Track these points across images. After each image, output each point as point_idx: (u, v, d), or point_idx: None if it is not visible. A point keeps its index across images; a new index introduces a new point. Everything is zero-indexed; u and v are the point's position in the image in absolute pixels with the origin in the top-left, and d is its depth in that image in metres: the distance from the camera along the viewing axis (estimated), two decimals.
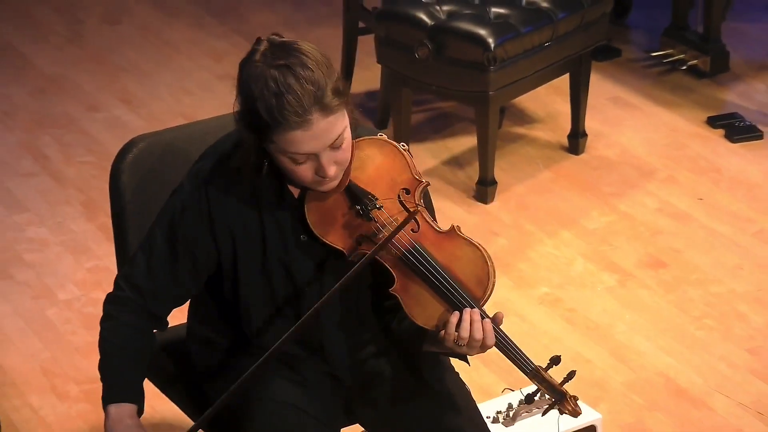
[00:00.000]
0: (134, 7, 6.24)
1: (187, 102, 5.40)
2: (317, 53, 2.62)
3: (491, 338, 2.70)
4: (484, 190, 4.78)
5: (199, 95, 5.46)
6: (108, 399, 2.75)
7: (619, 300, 4.29)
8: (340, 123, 2.61)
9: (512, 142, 5.14)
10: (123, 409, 2.73)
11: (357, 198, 2.70)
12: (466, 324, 2.67)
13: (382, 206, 2.70)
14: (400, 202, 2.72)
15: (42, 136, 5.18)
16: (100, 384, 3.87)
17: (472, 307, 2.69)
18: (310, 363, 2.84)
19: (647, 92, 5.46)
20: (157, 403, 3.32)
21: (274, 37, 2.63)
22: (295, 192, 2.74)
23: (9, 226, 4.64)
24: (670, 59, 5.58)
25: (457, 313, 2.68)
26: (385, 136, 2.76)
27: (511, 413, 3.44)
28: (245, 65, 2.61)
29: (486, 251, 2.71)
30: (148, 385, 3.21)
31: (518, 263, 4.44)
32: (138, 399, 2.75)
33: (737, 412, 3.83)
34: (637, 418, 3.80)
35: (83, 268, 4.43)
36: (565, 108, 5.14)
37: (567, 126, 5.11)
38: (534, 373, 2.76)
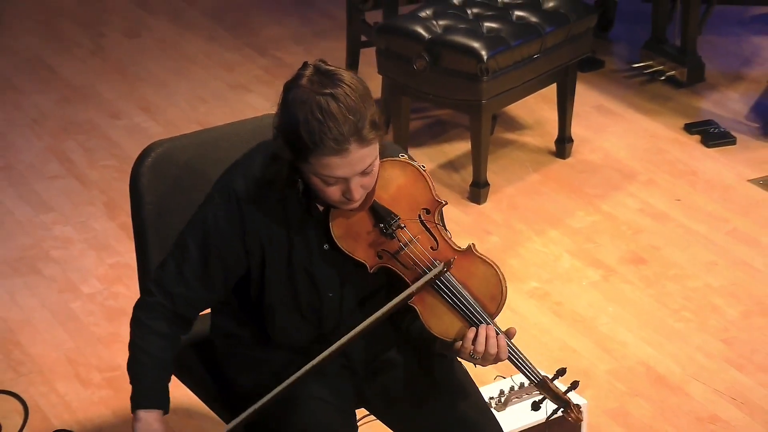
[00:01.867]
0: (152, 21, 6.23)
1: (202, 110, 5.40)
2: (360, 85, 2.61)
3: (504, 353, 2.71)
4: (478, 191, 4.78)
5: (212, 103, 5.46)
6: (137, 404, 2.76)
7: (603, 294, 4.29)
8: (373, 153, 2.60)
9: (503, 147, 5.14)
10: (151, 415, 2.74)
11: (381, 217, 2.69)
12: (481, 339, 2.68)
13: (404, 226, 2.70)
14: (421, 222, 2.72)
15: (67, 141, 5.18)
16: (121, 372, 3.87)
17: (487, 323, 2.69)
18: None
19: (629, 101, 5.46)
20: (173, 389, 3.31)
21: (320, 63, 2.62)
22: (321, 207, 2.73)
23: (37, 225, 4.63)
24: (650, 70, 5.58)
25: (473, 329, 2.68)
26: (406, 157, 2.76)
27: (502, 399, 3.43)
28: (291, 88, 2.60)
29: (499, 269, 2.73)
30: None
31: (509, 260, 4.44)
32: (164, 404, 2.76)
33: (712, 398, 3.82)
34: (620, 403, 3.80)
35: (105, 264, 4.42)
36: (552, 115, 5.14)
37: (554, 132, 5.11)
38: (541, 383, 2.76)
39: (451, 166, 4.99)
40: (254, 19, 6.23)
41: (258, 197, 2.70)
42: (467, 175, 4.83)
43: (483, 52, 4.61)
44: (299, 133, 2.55)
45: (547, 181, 4.93)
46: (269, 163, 2.68)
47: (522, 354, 2.74)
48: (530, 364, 2.75)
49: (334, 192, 2.62)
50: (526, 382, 3.47)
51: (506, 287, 2.72)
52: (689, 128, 5.24)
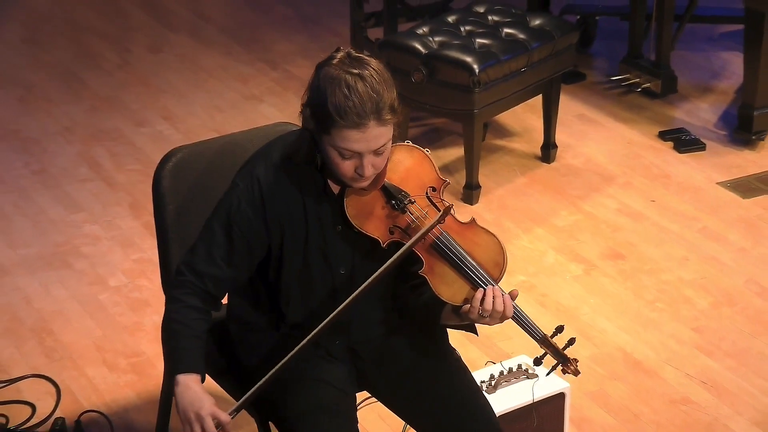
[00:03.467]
0: (173, 38, 6.24)
1: (219, 119, 5.40)
2: (385, 72, 2.64)
3: (510, 310, 2.73)
4: (470, 193, 4.78)
5: (228, 112, 5.46)
6: (176, 370, 2.72)
7: (584, 286, 4.29)
8: (387, 135, 2.63)
9: (494, 153, 5.14)
10: (190, 378, 2.70)
11: (392, 195, 2.71)
12: (489, 299, 2.69)
13: (414, 201, 2.72)
14: (428, 198, 2.74)
15: (96, 147, 5.18)
16: (144, 357, 3.88)
17: (493, 285, 2.71)
18: (333, 338, 2.83)
19: (608, 110, 5.46)
20: None
21: (350, 50, 2.65)
22: (335, 189, 2.74)
23: (68, 224, 4.64)
24: (627, 82, 5.58)
25: (481, 290, 2.69)
26: (411, 143, 2.78)
27: (492, 382, 3.43)
28: (323, 66, 2.62)
29: (500, 239, 2.74)
30: None
31: None
32: (201, 370, 2.73)
33: (684, 381, 3.82)
34: (600, 386, 3.80)
35: (130, 259, 4.42)
36: (538, 123, 5.14)
37: (540, 139, 5.11)
38: (543, 339, 2.80)
39: (446, 169, 4.99)
40: (266, 35, 6.23)
41: (277, 182, 2.72)
42: (460, 177, 4.83)
43: (475, 66, 4.61)
44: (326, 105, 2.57)
45: (534, 183, 4.93)
46: (292, 141, 2.71)
47: (524, 313, 2.77)
48: (532, 322, 2.78)
49: (347, 167, 2.63)
50: (517, 365, 3.48)
51: (507, 255, 2.74)
52: (663, 135, 5.24)
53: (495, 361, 3.58)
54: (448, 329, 2.93)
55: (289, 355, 2.67)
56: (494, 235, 2.75)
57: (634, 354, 3.95)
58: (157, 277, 3.20)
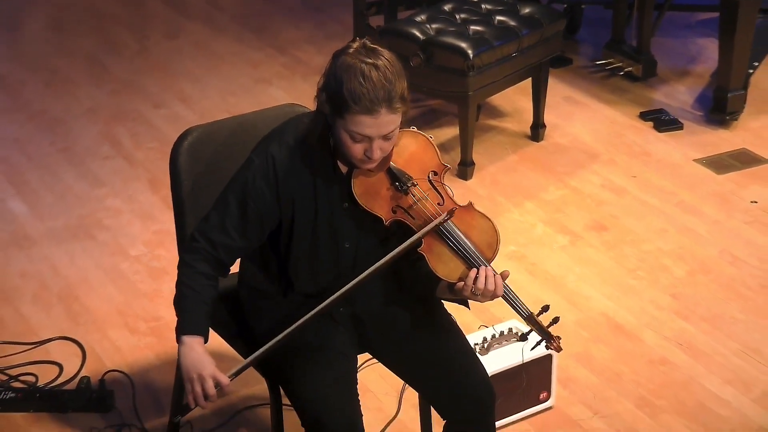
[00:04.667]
0: (189, 25, 6.22)
1: (231, 101, 5.40)
2: (397, 63, 2.64)
3: (500, 289, 2.74)
4: (465, 169, 4.78)
5: (240, 95, 5.45)
6: (182, 331, 2.75)
7: (571, 256, 4.29)
8: (396, 122, 2.63)
9: (487, 132, 5.14)
10: (194, 340, 2.73)
11: (396, 177, 2.71)
12: (482, 278, 2.70)
13: (417, 184, 2.72)
14: (430, 182, 2.75)
15: (117, 127, 5.18)
16: (163, 322, 3.89)
17: (486, 266, 2.71)
18: (338, 306, 2.84)
19: (593, 93, 5.45)
20: (211, 337, 3.32)
21: (366, 40, 2.65)
22: (343, 170, 2.75)
23: (91, 198, 4.64)
24: (611, 67, 5.57)
25: (475, 269, 2.70)
26: (416, 129, 2.78)
27: (485, 345, 3.44)
28: (340, 55, 2.62)
29: (494, 222, 2.75)
30: None
31: None
32: (205, 333, 2.76)
33: (662, 343, 3.83)
34: (584, 348, 3.81)
35: (149, 231, 4.43)
36: (528, 105, 5.13)
37: (530, 119, 5.10)
38: (529, 317, 2.80)
39: (442, 148, 4.98)
40: (275, 23, 6.22)
41: (291, 162, 2.72)
42: (456, 155, 4.83)
43: (469, 51, 4.60)
44: (342, 91, 2.57)
45: (524, 160, 4.93)
46: (307, 123, 2.71)
47: (513, 292, 2.77)
48: (520, 301, 2.78)
49: (358, 149, 2.64)
50: (508, 329, 3.48)
51: (500, 238, 2.75)
52: (644, 116, 5.23)
53: (488, 325, 3.59)
54: None
55: (294, 326, 2.68)
56: (489, 219, 2.76)
57: (616, 318, 3.95)
58: (174, 248, 3.20)
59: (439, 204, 2.73)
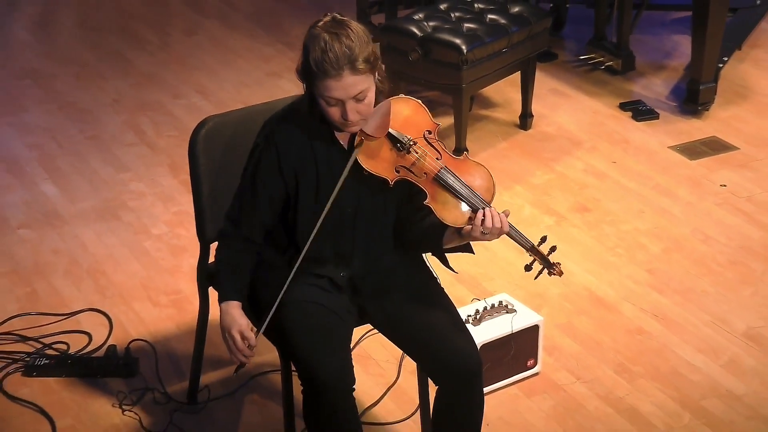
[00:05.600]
0: (206, 23, 6.21)
1: (245, 92, 5.39)
2: (361, 31, 2.67)
3: (506, 225, 2.76)
4: (458, 155, 4.76)
5: (253, 87, 5.44)
6: (222, 299, 2.82)
7: (556, 235, 4.29)
8: (364, 83, 2.64)
9: (479, 121, 5.13)
10: (230, 305, 2.81)
11: (396, 139, 2.73)
12: (489, 218, 2.73)
13: (416, 142, 2.74)
14: (426, 140, 2.76)
15: (140, 117, 5.17)
16: (183, 295, 3.90)
17: (489, 207, 2.74)
18: (338, 269, 2.85)
19: (577, 85, 5.44)
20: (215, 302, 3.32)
21: (336, 14, 2.69)
22: (342, 138, 2.76)
23: (117, 182, 4.63)
24: (593, 61, 5.56)
25: (481, 210, 2.72)
26: (405, 95, 2.81)
27: (477, 316, 3.44)
28: (311, 29, 2.67)
29: (488, 169, 2.79)
30: (215, 295, 3.22)
31: None
32: (236, 297, 2.82)
33: (639, 315, 3.83)
34: (568, 319, 3.81)
35: (170, 212, 4.42)
36: (517, 96, 5.12)
37: (518, 109, 5.09)
38: (531, 248, 2.83)
39: (438, 135, 4.97)
40: (285, 21, 6.20)
41: (290, 136, 2.75)
42: (451, 142, 4.82)
43: (463, 47, 4.59)
44: (309, 60, 2.62)
45: (513, 147, 4.93)
46: (297, 99, 2.75)
47: (516, 228, 2.80)
48: (523, 234, 2.81)
49: (334, 112, 2.66)
50: (498, 302, 3.48)
51: (495, 181, 2.78)
52: (623, 106, 5.22)
53: (479, 298, 3.59)
54: (441, 264, 2.93)
55: (293, 272, 2.73)
56: (484, 166, 2.79)
57: (597, 292, 3.95)
58: (192, 227, 3.20)
59: (437, 159, 2.75)
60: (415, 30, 4.73)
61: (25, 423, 3.35)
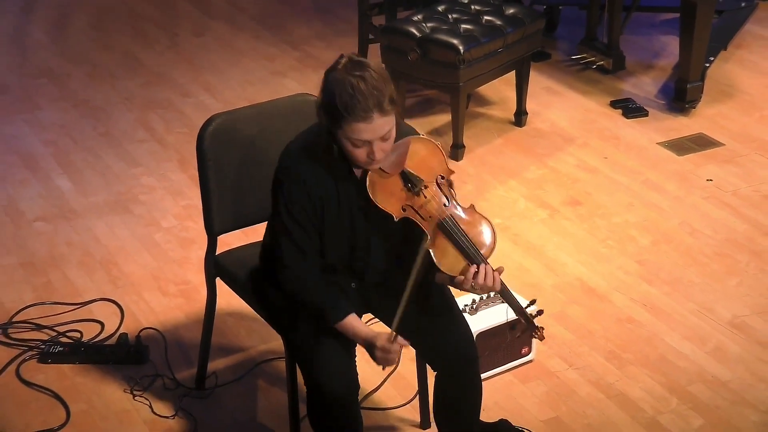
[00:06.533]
0: (213, 24, 6.19)
1: (250, 90, 5.37)
2: (382, 70, 2.59)
3: (498, 285, 2.71)
4: (456, 151, 4.76)
5: (258, 86, 5.43)
6: (336, 318, 2.71)
7: (549, 228, 4.28)
8: (391, 122, 2.59)
9: (475, 118, 5.11)
10: (352, 318, 2.71)
11: (409, 179, 2.67)
12: (482, 274, 2.68)
13: (427, 186, 2.69)
14: (438, 185, 2.71)
15: (151, 114, 5.16)
16: (191, 285, 3.89)
17: (485, 263, 2.69)
18: (350, 280, 2.85)
19: (569, 83, 5.43)
20: (230, 297, 3.32)
21: (352, 54, 2.61)
22: (358, 173, 2.72)
23: (128, 177, 4.62)
24: (585, 61, 5.55)
25: (475, 266, 2.67)
26: (426, 135, 2.74)
27: (474, 306, 3.43)
28: (331, 72, 2.58)
29: (492, 224, 2.72)
30: (223, 286, 3.21)
31: (479, 202, 4.40)
32: (348, 309, 2.72)
33: (629, 304, 3.82)
34: (561, 309, 3.80)
35: (179, 205, 4.41)
36: (512, 94, 5.11)
37: (513, 107, 5.08)
38: (520, 310, 2.78)
39: (437, 132, 4.97)
40: (289, 22, 6.19)
41: (311, 171, 2.67)
42: (448, 139, 4.81)
43: (460, 47, 4.58)
44: (336, 104, 2.53)
45: (508, 143, 4.91)
46: (314, 138, 2.65)
47: (508, 288, 2.75)
48: (513, 295, 2.76)
49: (360, 153, 2.60)
50: (508, 311, 3.48)
51: (497, 237, 2.72)
52: (613, 104, 5.21)
53: None
54: None
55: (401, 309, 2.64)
56: (489, 220, 2.73)
57: (589, 282, 3.94)
58: (200, 220, 3.19)
59: (444, 205, 2.69)
60: (414, 31, 4.72)
61: (40, 407, 3.34)
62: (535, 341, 3.48)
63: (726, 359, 3.55)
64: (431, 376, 2.97)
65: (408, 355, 3.49)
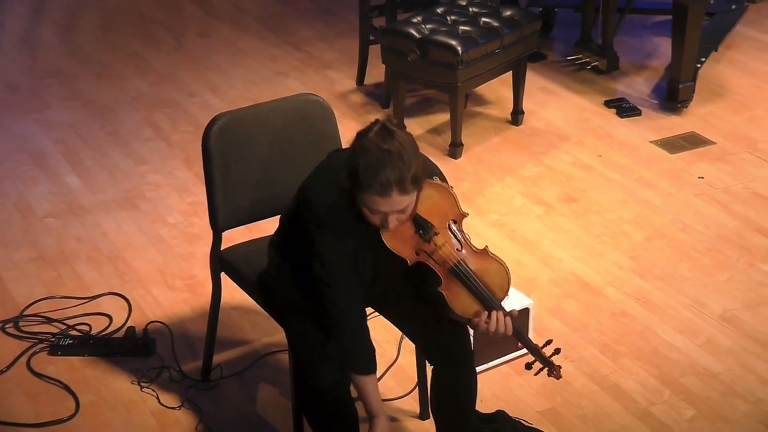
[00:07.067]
0: (218, 26, 6.19)
1: (254, 90, 5.37)
2: (409, 145, 2.49)
3: (510, 330, 2.69)
4: (455, 149, 4.75)
5: (261, 86, 5.43)
6: (363, 371, 2.69)
7: (545, 224, 4.28)
8: (410, 199, 2.53)
9: (473, 117, 5.11)
10: (373, 379, 2.70)
11: (420, 225, 2.63)
12: (493, 321, 2.66)
13: (438, 233, 2.64)
14: (450, 230, 2.66)
15: (157, 113, 5.15)
16: (197, 280, 3.89)
17: (498, 309, 2.65)
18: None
19: (564, 83, 5.43)
20: (234, 292, 3.32)
21: (387, 121, 2.51)
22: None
23: (135, 174, 4.62)
24: (580, 61, 5.54)
25: (487, 312, 2.65)
26: (438, 180, 2.67)
27: None
28: (363, 136, 2.49)
29: (506, 266, 2.69)
30: (227, 280, 3.21)
31: (477, 199, 4.42)
32: (376, 370, 2.72)
33: (622, 299, 3.82)
34: (557, 303, 3.80)
35: (184, 202, 4.41)
36: (509, 94, 5.10)
37: (510, 106, 5.08)
38: (534, 350, 2.74)
39: (435, 131, 4.96)
40: (292, 23, 6.18)
41: (339, 219, 2.63)
42: (447, 137, 4.81)
43: (459, 48, 4.57)
44: (358, 173, 2.48)
45: (505, 142, 4.91)
46: (340, 192, 2.59)
47: (521, 330, 2.73)
48: (527, 337, 2.74)
49: (375, 219, 2.56)
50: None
51: (511, 279, 2.68)
52: (607, 104, 5.21)
53: None
54: None
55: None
56: (502, 264, 2.69)
57: (583, 277, 3.94)
58: (206, 216, 3.19)
59: (457, 249, 2.66)
60: (414, 32, 4.72)
61: (51, 398, 3.35)
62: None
63: (717, 352, 3.55)
64: (430, 368, 2.97)
65: (408, 347, 3.49)
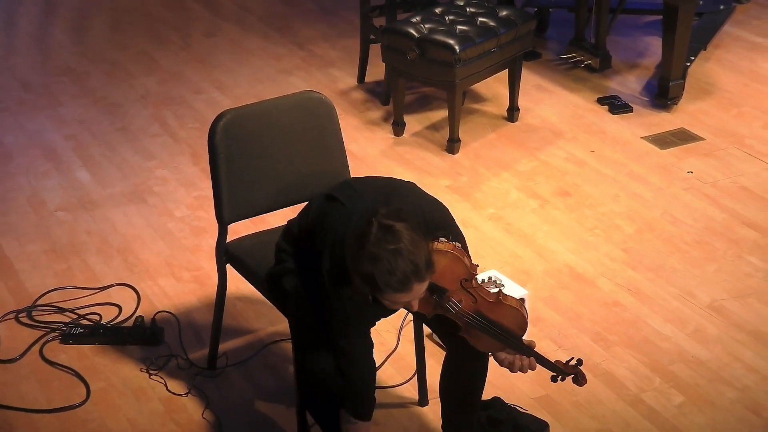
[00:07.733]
0: (224, 26, 6.18)
1: (259, 88, 5.36)
2: (415, 236, 2.43)
3: (533, 367, 2.73)
4: (452, 145, 4.75)
5: (266, 83, 5.42)
6: (364, 416, 2.73)
7: (540, 217, 4.28)
8: (427, 283, 2.51)
9: (471, 114, 5.11)
10: (369, 426, 2.75)
11: (433, 290, 2.61)
12: (516, 364, 2.72)
13: (452, 296, 2.63)
14: (463, 288, 2.64)
15: (165, 110, 5.15)
16: (203, 271, 3.89)
17: (520, 350, 2.69)
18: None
19: (559, 81, 5.42)
20: (239, 283, 3.32)
21: (382, 219, 2.42)
22: None
23: (144, 169, 4.62)
24: (574, 60, 5.53)
25: (508, 356, 2.70)
26: (444, 243, 2.59)
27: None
28: (363, 243, 2.41)
29: (523, 307, 2.69)
30: (233, 271, 3.21)
31: (474, 193, 4.42)
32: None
33: (614, 289, 3.82)
34: (551, 293, 3.80)
35: (191, 196, 4.41)
36: (505, 91, 5.10)
37: (506, 103, 5.07)
38: (557, 370, 2.79)
39: (434, 127, 4.96)
40: (295, 23, 6.17)
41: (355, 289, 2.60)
42: (445, 133, 4.81)
43: (456, 47, 4.57)
44: (375, 280, 2.43)
45: (501, 138, 4.91)
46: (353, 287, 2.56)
47: (544, 357, 2.76)
48: (550, 362, 2.77)
49: (398, 307, 2.59)
50: (488, 277, 3.47)
51: (527, 317, 2.70)
52: (600, 101, 5.20)
53: (484, 270, 3.57)
54: None
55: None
56: (518, 307, 2.68)
57: (577, 268, 3.94)
58: (212, 210, 3.19)
59: (473, 303, 2.64)
60: (413, 32, 4.71)
61: (62, 385, 3.35)
62: None
63: (705, 340, 3.55)
64: (429, 356, 2.98)
65: (407, 336, 3.49)
